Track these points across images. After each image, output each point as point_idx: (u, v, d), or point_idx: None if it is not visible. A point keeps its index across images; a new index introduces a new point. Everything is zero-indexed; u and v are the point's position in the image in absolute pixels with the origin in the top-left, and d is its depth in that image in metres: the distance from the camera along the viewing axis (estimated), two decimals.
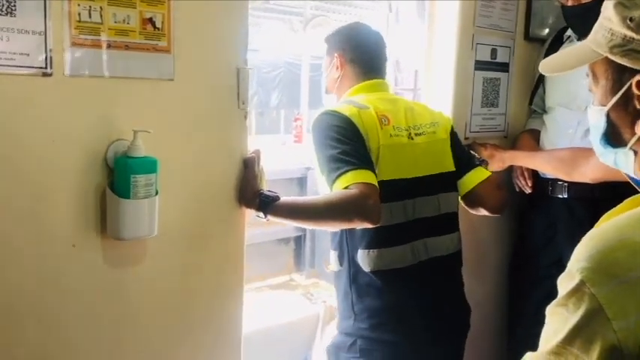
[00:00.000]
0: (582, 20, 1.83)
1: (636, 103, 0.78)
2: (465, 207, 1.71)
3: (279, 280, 2.36)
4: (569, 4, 1.85)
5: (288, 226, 2.22)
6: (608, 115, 0.84)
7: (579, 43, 1.85)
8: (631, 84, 0.78)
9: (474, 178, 1.67)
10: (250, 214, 1.45)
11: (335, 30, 1.71)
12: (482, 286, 2.08)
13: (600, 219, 0.78)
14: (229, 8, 1.35)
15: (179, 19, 1.26)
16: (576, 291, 0.68)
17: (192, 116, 1.32)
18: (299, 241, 2.53)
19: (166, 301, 1.33)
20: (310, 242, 2.53)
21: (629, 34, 0.77)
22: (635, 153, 0.83)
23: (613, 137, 0.85)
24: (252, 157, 1.42)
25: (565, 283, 0.71)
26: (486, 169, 1.71)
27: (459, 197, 1.68)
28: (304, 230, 2.46)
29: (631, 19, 0.77)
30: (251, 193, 1.40)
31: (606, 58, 0.81)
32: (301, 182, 2.66)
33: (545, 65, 0.97)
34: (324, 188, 1.45)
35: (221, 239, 1.42)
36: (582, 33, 1.88)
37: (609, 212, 0.78)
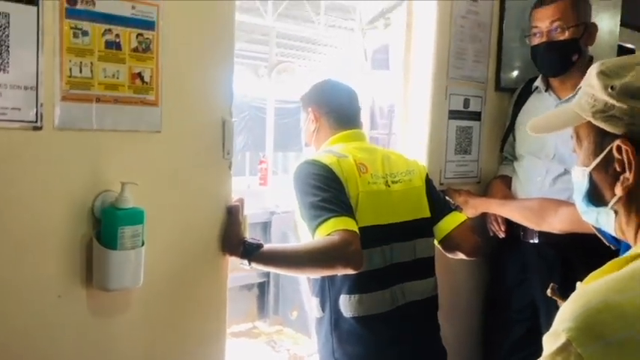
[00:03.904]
0: (548, 59, 1.93)
1: (616, 165, 0.82)
2: (442, 251, 1.76)
3: (241, 328, 2.31)
4: (536, 42, 1.94)
5: (252, 272, 2.20)
6: (590, 176, 0.88)
7: (548, 99, 1.96)
8: (612, 148, 0.82)
9: (450, 222, 1.72)
10: (233, 262, 1.47)
11: (308, 88, 1.79)
12: (457, 329, 2.11)
13: (585, 280, 0.80)
14: (216, 62, 1.40)
15: (167, 73, 1.30)
16: (563, 350, 0.70)
17: (179, 167, 1.35)
18: (263, 287, 2.50)
19: (152, 350, 1.34)
20: (274, 288, 2.50)
21: (611, 101, 0.81)
22: (616, 213, 0.87)
23: (595, 197, 0.89)
24: (236, 206, 1.45)
25: (551, 342, 0.72)
26: (461, 214, 1.77)
27: (436, 242, 1.73)
28: (268, 276, 2.43)
29: (612, 88, 0.81)
30: (235, 241, 1.43)
31: (589, 122, 0.85)
32: (265, 227, 2.64)
33: (534, 126, 1.02)
34: (305, 235, 1.49)
35: (205, 287, 1.43)
36: (548, 72, 1.98)
37: (594, 273, 0.80)
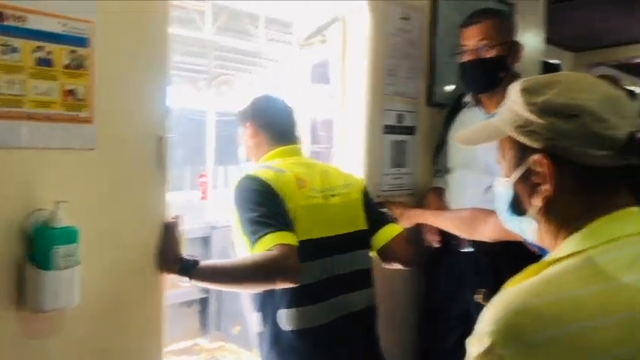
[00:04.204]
0: (476, 76, 2.02)
1: (535, 178, 0.87)
2: (380, 262, 1.80)
3: (182, 346, 2.27)
4: (465, 60, 2.02)
5: (192, 288, 2.17)
6: (513, 187, 0.93)
7: (477, 114, 2.05)
8: (532, 161, 0.87)
9: (387, 233, 1.76)
10: (173, 278, 1.46)
11: (246, 103, 1.80)
12: (396, 338, 2.16)
13: (505, 284, 0.84)
14: (150, 78, 1.40)
15: (101, 90, 1.29)
16: (487, 353, 0.74)
17: (114, 184, 1.34)
18: (204, 303, 2.46)
19: None
20: (216, 304, 2.47)
21: (531, 117, 0.86)
22: (536, 221, 0.91)
23: (517, 207, 0.94)
24: (172, 222, 1.45)
25: (475, 345, 0.77)
26: (397, 225, 1.83)
27: (374, 253, 1.77)
28: (209, 292, 2.40)
29: (533, 104, 0.86)
30: (172, 258, 1.42)
31: (511, 136, 0.90)
32: (206, 242, 2.60)
33: (461, 138, 1.07)
34: (243, 250, 1.49)
35: (142, 305, 1.42)
36: (476, 89, 2.07)
37: (515, 277, 0.84)
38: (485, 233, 1.79)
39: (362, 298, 1.67)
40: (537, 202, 0.88)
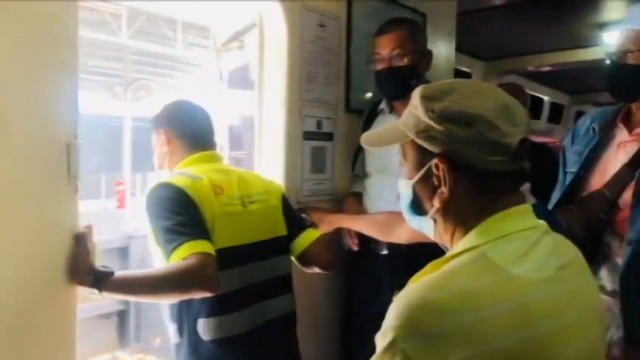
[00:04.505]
0: (390, 84, 2.08)
1: (434, 180, 0.92)
2: (300, 266, 1.82)
3: (100, 359, 2.20)
4: (379, 68, 2.08)
5: (111, 300, 2.10)
6: (413, 188, 0.97)
7: (392, 120, 2.11)
8: (431, 165, 0.92)
9: (306, 239, 1.78)
10: (83, 291, 1.40)
11: (160, 109, 1.77)
12: (317, 342, 2.18)
13: (411, 279, 0.88)
14: (58, 84, 1.34)
15: (5, 97, 1.22)
16: (390, 347, 0.79)
17: (20, 194, 1.27)
18: (122, 315, 2.40)
19: None
20: (135, 315, 2.41)
21: (431, 123, 0.90)
22: (435, 221, 0.97)
23: (418, 207, 0.99)
24: (83, 233, 1.40)
25: (381, 340, 0.81)
26: (316, 230, 1.85)
27: (294, 258, 1.78)
28: (128, 303, 2.33)
29: (432, 111, 0.90)
30: (84, 270, 1.37)
31: (413, 140, 0.94)
32: (123, 252, 2.52)
33: (366, 140, 1.11)
34: (159, 260, 1.46)
35: (51, 319, 1.35)
36: (390, 96, 2.14)
37: (418, 273, 0.88)
38: (402, 236, 1.84)
39: (282, 304, 1.68)
40: (436, 203, 0.94)
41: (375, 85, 2.17)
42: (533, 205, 0.96)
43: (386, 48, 2.05)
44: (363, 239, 2.12)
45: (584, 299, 0.91)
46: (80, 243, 1.38)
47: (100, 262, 1.42)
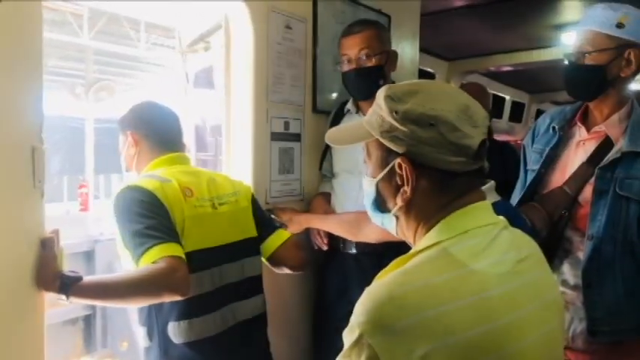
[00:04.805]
0: (358, 84, 2.11)
1: (397, 179, 0.94)
2: (270, 267, 1.82)
3: None
4: (346, 69, 2.10)
5: (76, 306, 2.05)
6: (377, 186, 0.99)
7: (358, 120, 2.12)
8: (394, 164, 0.94)
9: (276, 240, 1.79)
10: (52, 297, 1.38)
11: (127, 110, 1.75)
12: (288, 342, 2.20)
13: (378, 275, 0.90)
14: (24, 86, 1.32)
15: None
16: (357, 343, 0.81)
17: None
18: (88, 320, 2.35)
19: None
20: (102, 320, 2.36)
21: (394, 124, 0.92)
22: (397, 218, 1.00)
23: (381, 204, 1.01)
24: (50, 238, 1.37)
25: (348, 336, 0.83)
26: (286, 231, 1.86)
27: (264, 259, 1.79)
28: (94, 308, 2.29)
29: (396, 112, 0.92)
30: (51, 275, 1.34)
31: (377, 139, 0.96)
32: (89, 256, 2.46)
33: (330, 138, 1.13)
34: (128, 264, 1.45)
35: (18, 326, 1.32)
36: (358, 96, 2.16)
37: (385, 270, 0.90)
38: (369, 235, 1.87)
39: (253, 305, 1.68)
40: (398, 201, 0.96)
41: (342, 85, 2.19)
42: (498, 203, 1.00)
43: (354, 49, 2.07)
44: (332, 239, 2.14)
45: (543, 291, 0.95)
46: (47, 248, 1.35)
47: (67, 267, 1.40)
